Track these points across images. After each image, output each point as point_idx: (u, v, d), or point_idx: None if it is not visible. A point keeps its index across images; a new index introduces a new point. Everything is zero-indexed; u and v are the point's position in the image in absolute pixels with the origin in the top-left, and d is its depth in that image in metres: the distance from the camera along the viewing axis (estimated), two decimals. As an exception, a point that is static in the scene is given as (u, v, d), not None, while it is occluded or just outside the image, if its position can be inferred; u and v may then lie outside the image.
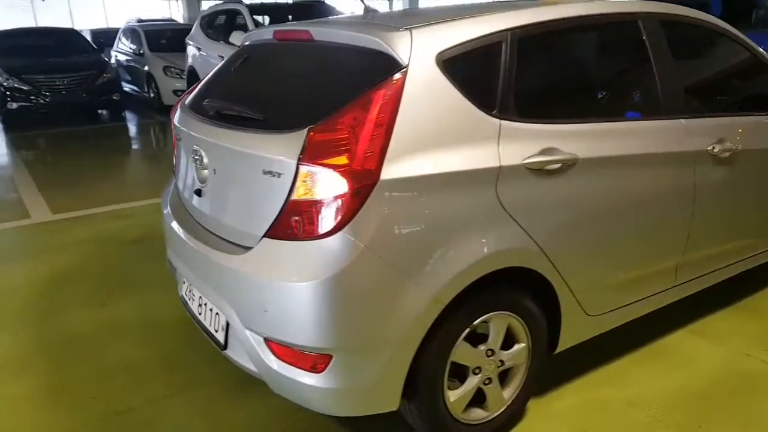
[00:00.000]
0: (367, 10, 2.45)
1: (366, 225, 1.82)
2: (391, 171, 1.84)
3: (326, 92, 2.08)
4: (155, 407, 2.57)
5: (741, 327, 3.06)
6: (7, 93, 9.11)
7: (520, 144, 2.08)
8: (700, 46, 2.91)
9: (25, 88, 9.13)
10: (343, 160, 1.82)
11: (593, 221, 2.30)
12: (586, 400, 2.54)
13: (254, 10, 8.85)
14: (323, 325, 1.85)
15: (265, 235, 1.95)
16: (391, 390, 1.98)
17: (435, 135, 1.94)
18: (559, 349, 2.42)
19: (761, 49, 3.01)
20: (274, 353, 1.99)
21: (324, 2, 9.84)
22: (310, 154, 1.83)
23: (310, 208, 1.84)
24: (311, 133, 1.85)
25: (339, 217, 1.81)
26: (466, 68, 2.05)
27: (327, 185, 1.82)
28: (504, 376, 2.32)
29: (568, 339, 2.43)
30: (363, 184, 1.81)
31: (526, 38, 2.19)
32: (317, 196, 1.83)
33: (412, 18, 2.22)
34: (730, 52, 2.96)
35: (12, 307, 3.52)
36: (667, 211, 2.55)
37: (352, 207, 1.81)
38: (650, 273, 2.63)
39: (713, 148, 2.60)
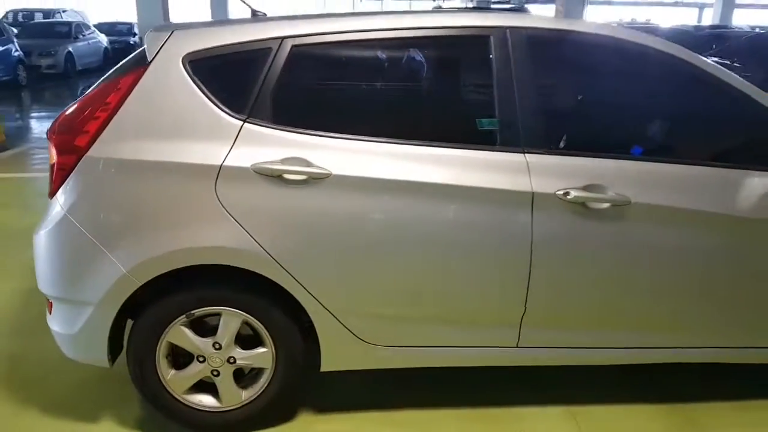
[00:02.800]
0: (254, 13, 2.57)
1: (68, 193, 2.07)
2: (102, 150, 2.05)
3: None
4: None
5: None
6: None
7: (259, 148, 2.09)
8: (604, 68, 2.36)
9: None
10: (62, 135, 2.09)
11: (355, 243, 2.16)
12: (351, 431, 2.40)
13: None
14: (39, 271, 2.18)
15: None
16: (96, 347, 2.19)
17: (162, 126, 2.08)
18: (324, 368, 2.34)
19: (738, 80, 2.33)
20: None
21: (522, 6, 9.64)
22: (52, 128, 2.15)
23: (50, 172, 2.16)
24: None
25: (55, 183, 2.10)
26: (216, 70, 2.14)
27: (53, 154, 2.11)
28: (253, 377, 2.35)
29: (333, 360, 2.33)
30: (68, 157, 2.06)
31: (302, 48, 2.16)
32: (50, 162, 2.14)
33: (222, 23, 2.33)
34: (662, 78, 2.37)
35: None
36: (478, 255, 2.22)
37: (61, 176, 2.08)
38: (471, 321, 2.33)
39: (566, 193, 2.17)
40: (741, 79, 2.31)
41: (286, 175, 2.08)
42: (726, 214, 2.23)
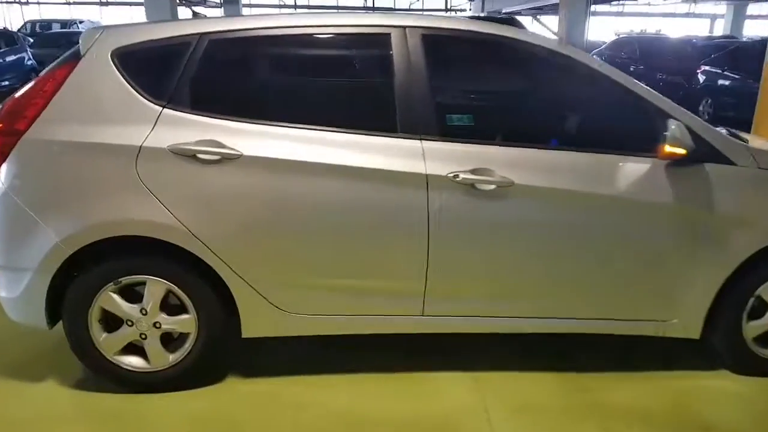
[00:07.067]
0: (195, 14, 2.89)
1: (8, 171, 2.34)
2: (39, 132, 2.33)
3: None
4: None
5: (538, 394, 2.67)
6: None
7: (175, 131, 2.35)
8: (493, 66, 2.61)
9: None
10: (5, 120, 2.36)
11: (267, 219, 2.40)
12: (272, 392, 2.62)
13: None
14: (-18, 242, 2.45)
15: None
16: (35, 310, 2.45)
17: (91, 111, 2.36)
18: (245, 335, 2.57)
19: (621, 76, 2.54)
20: None
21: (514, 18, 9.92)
22: None
23: None
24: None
25: (-2, 162, 2.38)
26: (141, 63, 2.41)
27: (-6, 137, 2.39)
28: (180, 341, 2.59)
29: (253, 327, 2.56)
30: (9, 139, 2.33)
31: (217, 43, 2.42)
32: (-9, 144, 2.42)
33: (150, 23, 2.61)
34: (547, 73, 2.59)
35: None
36: (380, 231, 2.45)
37: (3, 155, 2.35)
38: (378, 291, 2.55)
39: (456, 175, 2.40)
40: (621, 72, 2.53)
41: (200, 155, 2.33)
42: (601, 194, 2.44)
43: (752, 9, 26.69)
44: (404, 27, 2.48)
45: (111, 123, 2.35)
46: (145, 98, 2.37)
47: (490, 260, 2.52)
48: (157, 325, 2.52)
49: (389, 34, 2.48)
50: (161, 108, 2.37)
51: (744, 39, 15.50)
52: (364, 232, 2.45)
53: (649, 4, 28.25)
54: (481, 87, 2.72)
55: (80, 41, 2.45)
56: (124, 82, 2.37)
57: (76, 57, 2.41)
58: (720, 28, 27.39)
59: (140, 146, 2.32)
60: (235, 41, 2.46)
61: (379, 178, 2.39)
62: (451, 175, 2.39)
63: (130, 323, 2.51)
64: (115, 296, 2.48)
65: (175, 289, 2.48)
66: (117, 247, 2.41)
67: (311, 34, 2.53)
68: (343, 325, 2.62)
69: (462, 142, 2.46)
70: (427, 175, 2.40)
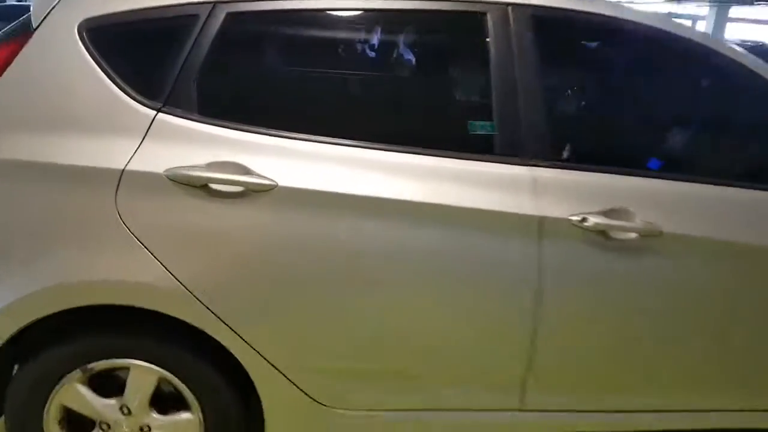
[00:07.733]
0: None
1: None
2: (-34, 148, 1.52)
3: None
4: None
5: None
6: None
7: (176, 148, 1.57)
8: (636, 65, 1.86)
9: None
10: None
11: (308, 278, 1.63)
12: None
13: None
14: None
15: None
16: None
17: (47, 116, 1.56)
18: (269, 439, 1.80)
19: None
20: None
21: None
22: None
23: None
24: None
25: None
26: (123, 43, 1.62)
27: None
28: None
29: (283, 428, 1.80)
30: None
31: (241, 17, 1.63)
32: None
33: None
34: (693, 73, 1.88)
35: None
36: (467, 297, 1.69)
37: None
38: (458, 378, 1.81)
39: (583, 219, 1.66)
40: None
41: (214, 185, 1.55)
42: None
43: (734, 12, 26.61)
44: (506, 4, 1.73)
45: (77, 133, 1.55)
46: (131, 96, 1.57)
47: (624, 336, 1.79)
48: (146, 429, 1.73)
49: (485, 13, 1.72)
50: (155, 112, 1.57)
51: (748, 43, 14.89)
52: (443, 297, 1.70)
53: (632, 2, 28.04)
54: (618, 92, 1.98)
55: (31, 8, 1.63)
56: (98, 72, 1.57)
57: (25, 33, 1.60)
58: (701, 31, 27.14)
59: (122, 170, 1.53)
60: (269, 15, 1.67)
61: (469, 221, 1.64)
62: (577, 218, 1.65)
63: (105, 427, 1.71)
64: (83, 389, 1.68)
65: (171, 377, 1.69)
66: (86, 319, 1.62)
67: (375, 12, 1.74)
68: (408, 426, 1.86)
69: (590, 171, 1.72)
70: (540, 218, 1.65)
